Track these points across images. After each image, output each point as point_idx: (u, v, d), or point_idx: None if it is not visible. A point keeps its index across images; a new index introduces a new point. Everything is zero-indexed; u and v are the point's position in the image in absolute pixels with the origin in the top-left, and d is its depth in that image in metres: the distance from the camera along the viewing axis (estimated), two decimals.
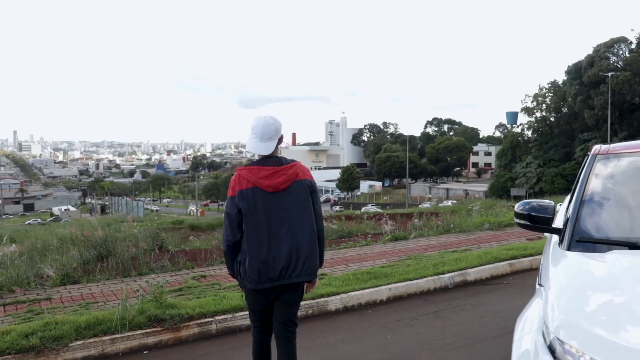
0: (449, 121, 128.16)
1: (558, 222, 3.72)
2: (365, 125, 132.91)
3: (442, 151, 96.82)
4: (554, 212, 3.52)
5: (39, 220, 60.94)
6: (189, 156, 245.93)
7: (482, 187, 71.33)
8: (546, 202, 3.63)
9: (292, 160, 3.69)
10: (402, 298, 6.88)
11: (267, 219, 3.57)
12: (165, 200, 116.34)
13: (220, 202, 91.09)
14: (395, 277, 7.21)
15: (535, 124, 63.80)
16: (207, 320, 5.75)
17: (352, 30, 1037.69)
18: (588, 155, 3.91)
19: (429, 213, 14.17)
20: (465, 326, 5.78)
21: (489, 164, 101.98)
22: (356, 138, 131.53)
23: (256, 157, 3.70)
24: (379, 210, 31.39)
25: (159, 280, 6.29)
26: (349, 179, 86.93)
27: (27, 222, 55.67)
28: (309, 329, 5.84)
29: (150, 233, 9.89)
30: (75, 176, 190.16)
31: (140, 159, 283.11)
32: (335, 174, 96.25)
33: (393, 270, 7.53)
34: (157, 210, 71.21)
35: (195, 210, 64.28)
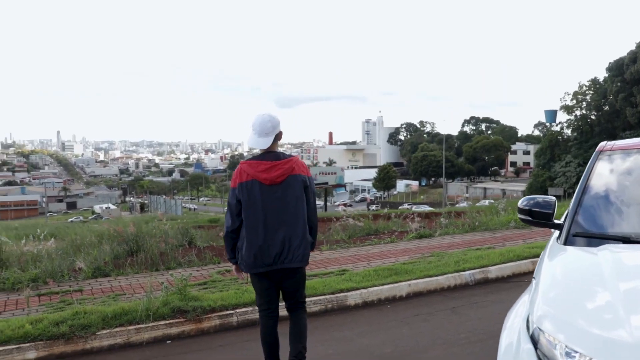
0: (487, 120, 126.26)
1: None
2: (401, 124, 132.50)
3: (479, 150, 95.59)
4: (554, 208, 3.56)
5: (81, 218, 62.59)
6: (226, 155, 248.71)
7: (520, 187, 70.22)
8: (549, 197, 3.66)
9: (290, 156, 3.98)
10: (421, 294, 6.96)
11: (263, 210, 3.85)
12: (202, 199, 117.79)
13: None
14: (415, 274, 7.27)
15: (575, 123, 62.32)
16: (228, 312, 5.95)
17: (389, 29, 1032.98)
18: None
19: (456, 212, 14.10)
20: (482, 322, 5.83)
21: (527, 163, 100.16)
22: (393, 137, 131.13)
23: (258, 152, 3.97)
24: (431, 208, 29.78)
25: (184, 274, 6.52)
26: (385, 178, 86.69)
27: (69, 219, 57.21)
28: (327, 322, 5.99)
29: (180, 230, 10.17)
30: (116, 175, 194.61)
31: (179, 158, 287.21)
32: (372, 173, 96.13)
33: (414, 267, 7.60)
34: (195, 209, 72.20)
35: None
